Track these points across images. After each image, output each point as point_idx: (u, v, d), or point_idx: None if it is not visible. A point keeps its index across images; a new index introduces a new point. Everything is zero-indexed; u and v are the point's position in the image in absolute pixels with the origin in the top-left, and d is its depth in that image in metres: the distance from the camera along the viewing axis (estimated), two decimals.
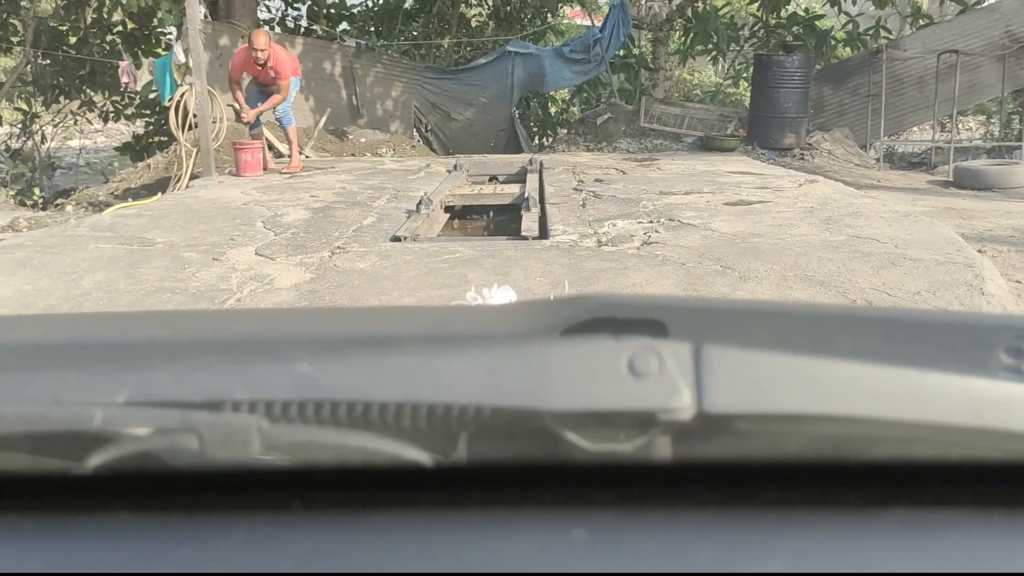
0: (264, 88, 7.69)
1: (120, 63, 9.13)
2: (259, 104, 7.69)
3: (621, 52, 11.91)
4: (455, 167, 8.13)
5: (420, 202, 5.68)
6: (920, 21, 12.83)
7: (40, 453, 0.57)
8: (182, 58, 7.82)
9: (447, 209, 6.53)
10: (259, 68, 7.48)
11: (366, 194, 6.46)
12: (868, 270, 3.80)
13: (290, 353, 0.59)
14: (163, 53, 10.10)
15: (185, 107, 7.62)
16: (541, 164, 8.29)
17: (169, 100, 7.87)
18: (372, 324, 0.79)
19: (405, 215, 5.53)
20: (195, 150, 7.67)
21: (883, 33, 13.14)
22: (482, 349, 0.59)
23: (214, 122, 7.81)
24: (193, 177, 7.67)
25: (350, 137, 10.82)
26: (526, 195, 6.23)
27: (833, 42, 12.86)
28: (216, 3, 10.57)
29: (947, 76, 10.52)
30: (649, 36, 12.85)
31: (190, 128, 7.72)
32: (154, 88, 8.82)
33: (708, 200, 5.79)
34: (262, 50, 7.37)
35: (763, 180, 6.87)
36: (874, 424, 0.54)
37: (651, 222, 5.04)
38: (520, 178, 7.95)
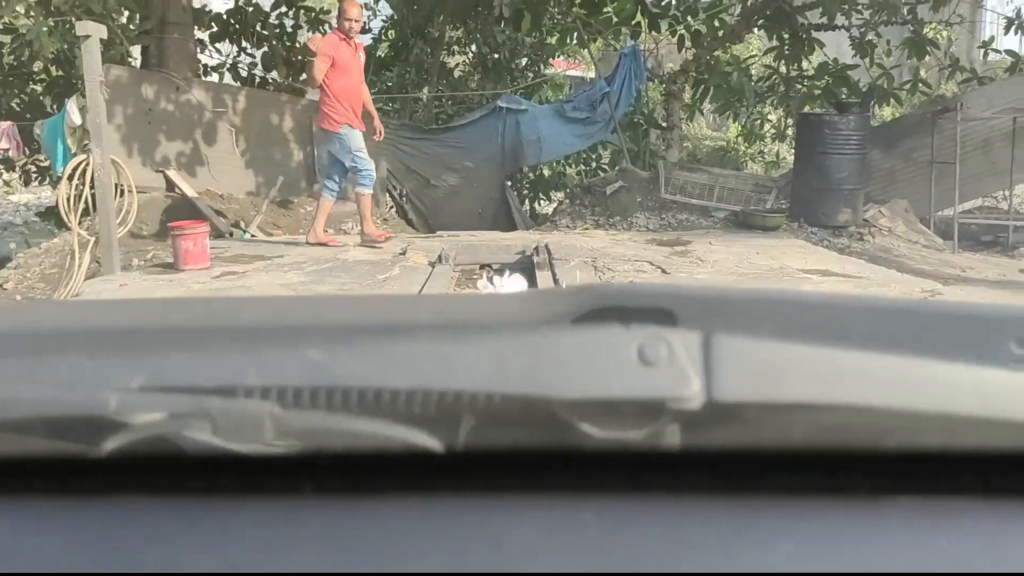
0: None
1: (0, 124, 7.18)
2: (333, 174, 6.24)
3: (630, 109, 10.18)
4: (439, 258, 6.26)
5: None
6: (958, 75, 11.30)
7: (57, 437, 0.56)
8: (76, 119, 5.95)
9: None
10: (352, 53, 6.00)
11: None
12: None
13: (302, 340, 0.57)
14: None
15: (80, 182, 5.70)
16: (548, 252, 6.43)
17: (61, 172, 5.97)
18: (383, 312, 0.78)
19: None
20: (92, 240, 5.74)
21: (921, 87, 11.62)
22: (493, 337, 0.57)
23: (121, 194, 5.91)
24: (90, 276, 5.74)
25: (308, 208, 8.93)
26: None
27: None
28: (146, 48, 8.74)
29: (1019, 139, 8.92)
30: (661, 90, 11.12)
31: (87, 213, 5.80)
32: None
33: None
34: (356, 20, 5.94)
35: (863, 287, 5.06)
36: (883, 413, 0.53)
37: None
38: (523, 270, 6.13)
